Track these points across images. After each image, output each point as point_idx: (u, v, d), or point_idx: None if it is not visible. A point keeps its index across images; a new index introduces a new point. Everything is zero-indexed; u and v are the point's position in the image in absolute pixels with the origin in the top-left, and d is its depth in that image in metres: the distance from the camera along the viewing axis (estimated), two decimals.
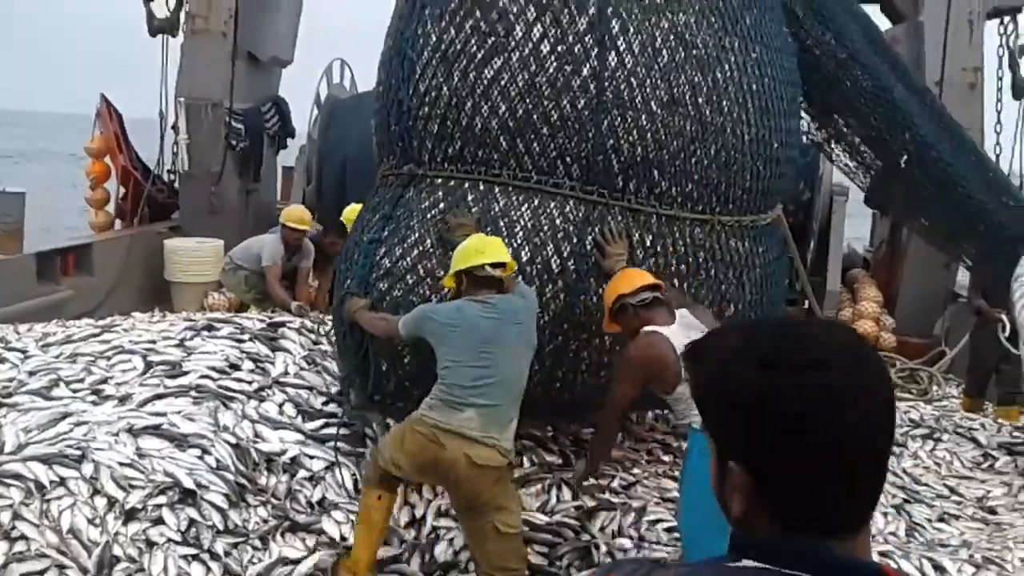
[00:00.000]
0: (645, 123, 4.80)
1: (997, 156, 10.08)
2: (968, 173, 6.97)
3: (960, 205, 7.00)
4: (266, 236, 8.34)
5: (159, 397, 5.33)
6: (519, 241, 4.82)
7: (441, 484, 4.52)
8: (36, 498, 4.39)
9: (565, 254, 4.84)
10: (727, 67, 4.98)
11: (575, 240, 4.85)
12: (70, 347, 6.04)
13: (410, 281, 4.85)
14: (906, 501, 5.72)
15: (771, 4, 5.39)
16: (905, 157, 6.86)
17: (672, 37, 4.84)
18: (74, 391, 5.41)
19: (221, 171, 10.72)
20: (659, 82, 4.80)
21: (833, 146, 8.42)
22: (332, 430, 5.26)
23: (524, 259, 4.80)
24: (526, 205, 4.85)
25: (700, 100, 4.89)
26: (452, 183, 4.95)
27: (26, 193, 9.30)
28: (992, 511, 5.85)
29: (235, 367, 5.77)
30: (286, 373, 5.82)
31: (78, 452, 4.64)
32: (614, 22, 4.76)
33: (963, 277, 10.00)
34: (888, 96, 6.54)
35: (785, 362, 1.17)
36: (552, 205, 4.86)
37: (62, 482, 4.49)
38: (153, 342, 6.05)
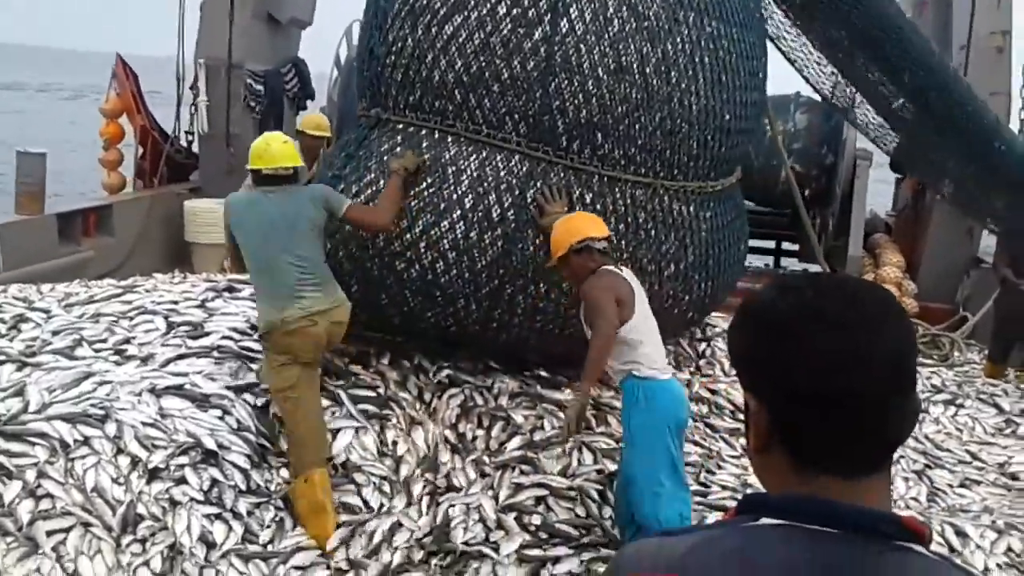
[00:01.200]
0: (591, 88, 5.09)
1: (1023, 120, 10.11)
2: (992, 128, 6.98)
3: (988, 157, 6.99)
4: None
5: (181, 357, 5.35)
6: (463, 188, 5.18)
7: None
8: (60, 457, 4.45)
9: (506, 204, 5.19)
10: (679, 39, 5.22)
11: (517, 192, 5.19)
12: (93, 307, 6.03)
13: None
14: (927, 466, 5.83)
15: None
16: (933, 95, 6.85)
17: (624, 8, 5.09)
18: (96, 351, 5.42)
19: (231, 133, 10.75)
20: (607, 50, 5.07)
21: (856, 110, 8.52)
22: (357, 391, 5.36)
23: (467, 206, 5.17)
24: (474, 156, 5.21)
25: (648, 69, 5.15)
26: (411, 129, 5.32)
27: (47, 154, 9.45)
28: (1014, 477, 5.93)
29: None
30: None
31: (101, 412, 4.69)
32: None
33: (986, 243, 10.08)
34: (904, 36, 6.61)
35: (816, 314, 1.23)
36: (498, 158, 5.20)
37: (86, 441, 4.55)
38: (175, 303, 6.03)
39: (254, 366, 5.35)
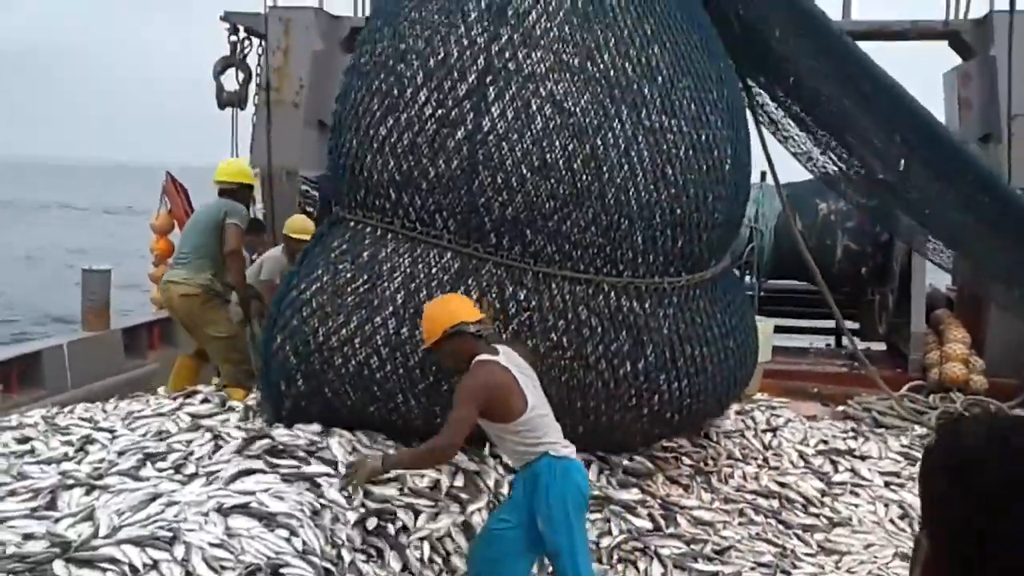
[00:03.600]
0: (515, 184, 5.09)
1: None
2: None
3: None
4: (272, 251, 8.49)
5: (247, 473, 5.17)
6: (396, 285, 5.26)
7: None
8: None
9: None
10: (610, 135, 5.13)
11: (448, 288, 5.21)
12: (156, 423, 6.08)
13: (305, 313, 5.44)
14: None
15: (693, 71, 5.41)
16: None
17: (548, 105, 5.08)
18: (160, 470, 5.39)
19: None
20: (531, 146, 5.07)
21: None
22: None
23: (399, 302, 5.24)
24: (408, 253, 5.29)
25: (575, 165, 5.09)
26: (359, 226, 5.48)
27: (112, 270, 9.90)
28: None
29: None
30: None
31: (169, 533, 4.71)
32: (491, 89, 5.08)
33: None
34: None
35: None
36: (431, 255, 5.26)
37: (155, 565, 4.54)
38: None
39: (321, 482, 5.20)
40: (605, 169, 5.13)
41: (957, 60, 11.00)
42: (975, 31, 10.49)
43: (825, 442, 6.90)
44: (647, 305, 5.44)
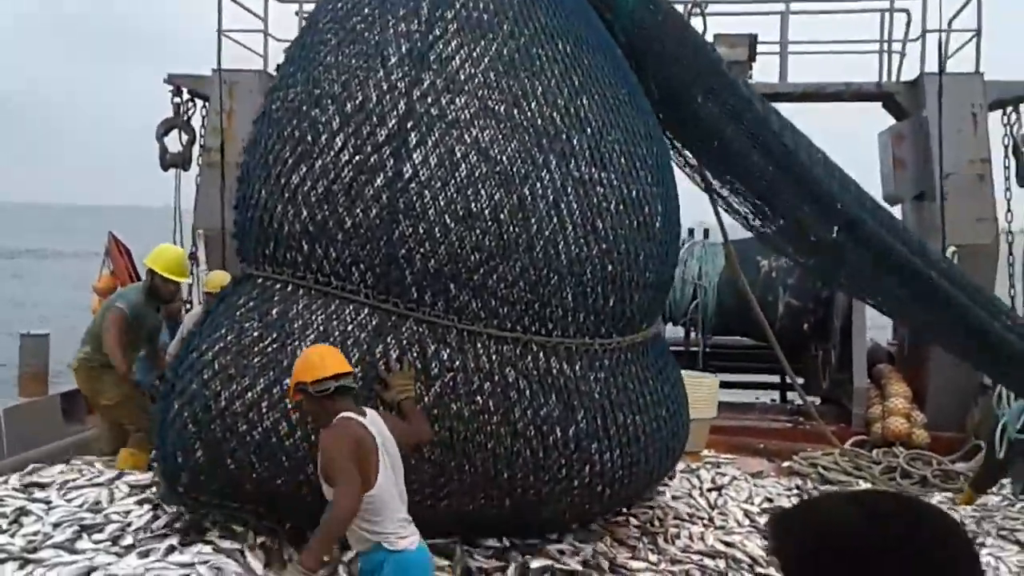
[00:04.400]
0: (438, 235, 4.77)
1: (1010, 244, 10.11)
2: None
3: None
4: (195, 309, 8.33)
5: (186, 544, 5.15)
6: (308, 343, 4.84)
7: None
8: None
9: (354, 360, 4.79)
10: (538, 184, 4.88)
11: (365, 347, 4.83)
12: (92, 493, 6.03)
13: (206, 375, 4.97)
14: None
15: (621, 126, 5.23)
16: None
17: (473, 152, 4.81)
18: (96, 542, 5.32)
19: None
20: (455, 195, 4.77)
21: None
22: None
23: None
24: (322, 309, 4.90)
25: (502, 215, 4.81)
26: (267, 283, 5.08)
27: (50, 334, 9.73)
28: None
29: None
30: None
31: None
32: (413, 135, 4.81)
33: None
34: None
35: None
36: (347, 311, 4.88)
37: None
38: None
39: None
40: (533, 221, 4.86)
41: (891, 120, 11.36)
42: (907, 93, 10.82)
43: (770, 500, 6.93)
44: (577, 367, 5.13)
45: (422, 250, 4.78)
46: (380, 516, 4.06)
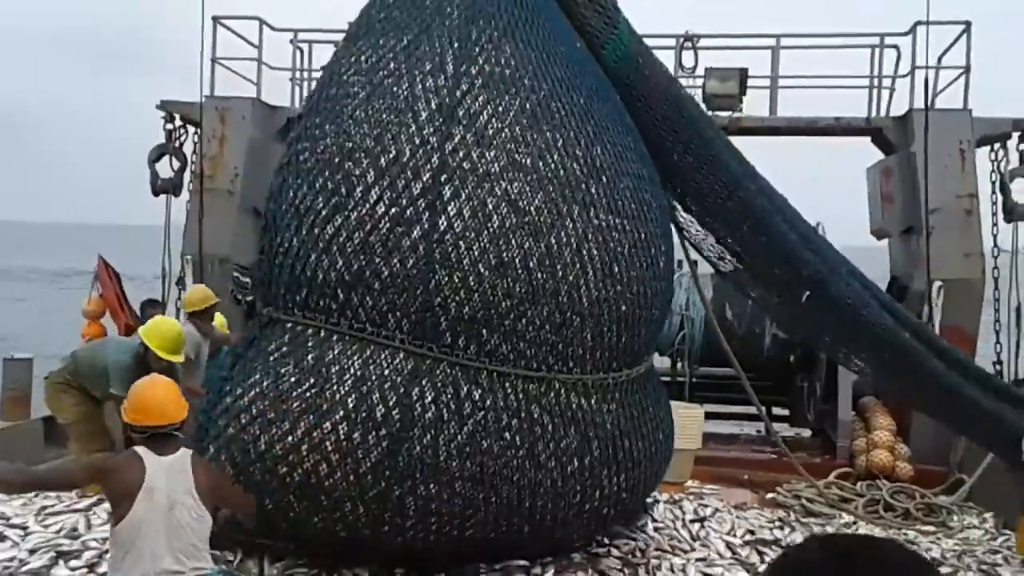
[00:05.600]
0: (473, 283, 5.03)
1: (996, 279, 10.18)
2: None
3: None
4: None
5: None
6: (347, 388, 5.06)
7: None
8: None
9: (391, 403, 5.04)
10: (563, 233, 5.18)
11: (402, 391, 5.06)
12: (70, 520, 6.04)
13: (243, 420, 5.13)
14: None
15: (630, 172, 5.57)
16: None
17: (504, 204, 5.08)
18: (73, 569, 5.37)
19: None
20: (488, 245, 5.03)
21: None
22: None
23: (350, 406, 5.03)
24: (358, 354, 5.11)
25: (531, 263, 5.10)
26: (298, 328, 5.25)
27: (33, 359, 9.70)
28: None
29: None
30: None
31: None
32: (447, 188, 5.04)
33: None
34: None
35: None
36: (383, 356, 5.09)
37: None
38: None
39: None
40: (559, 267, 5.16)
41: (880, 155, 11.54)
42: (896, 128, 10.98)
43: (752, 532, 6.96)
44: (593, 401, 5.48)
45: (457, 298, 5.03)
46: (122, 559, 4.21)
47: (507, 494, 5.26)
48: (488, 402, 5.15)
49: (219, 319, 8.47)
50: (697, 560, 6.28)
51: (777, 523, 7.37)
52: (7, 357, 9.75)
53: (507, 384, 5.19)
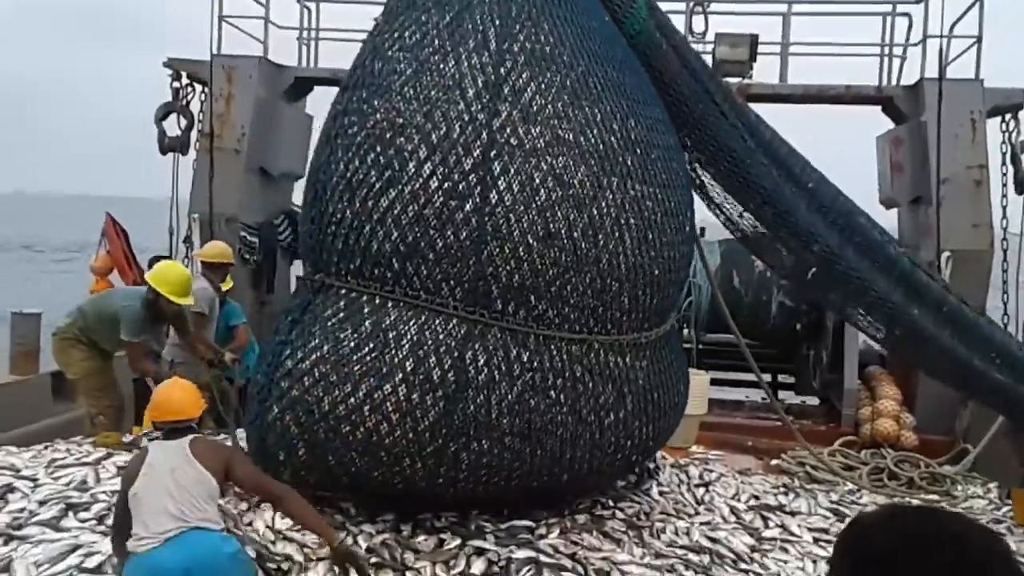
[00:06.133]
0: (522, 254, 5.34)
1: (1004, 251, 10.29)
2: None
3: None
4: (196, 282, 8.32)
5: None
6: (404, 352, 5.38)
7: None
8: None
9: (446, 366, 5.37)
10: (604, 204, 5.50)
11: (456, 354, 5.39)
12: (80, 472, 6.18)
13: (307, 383, 5.45)
14: None
15: (659, 143, 5.88)
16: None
17: (550, 178, 5.38)
18: (82, 521, 5.53)
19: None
20: (536, 217, 5.34)
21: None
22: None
23: (408, 369, 5.36)
24: (414, 320, 5.42)
25: (575, 234, 5.42)
26: (353, 294, 5.55)
27: (42, 313, 9.81)
28: None
29: None
30: None
31: None
32: (496, 164, 5.32)
33: None
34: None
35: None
36: (437, 322, 5.41)
37: None
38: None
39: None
40: (600, 237, 5.49)
41: (890, 124, 11.50)
42: (907, 97, 10.95)
43: (756, 497, 7.08)
44: (628, 359, 5.86)
45: (508, 267, 5.35)
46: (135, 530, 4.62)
47: (551, 447, 5.64)
48: (535, 363, 5.50)
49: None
50: (701, 524, 6.42)
51: (782, 489, 7.50)
52: (15, 311, 9.88)
53: (552, 346, 5.54)
